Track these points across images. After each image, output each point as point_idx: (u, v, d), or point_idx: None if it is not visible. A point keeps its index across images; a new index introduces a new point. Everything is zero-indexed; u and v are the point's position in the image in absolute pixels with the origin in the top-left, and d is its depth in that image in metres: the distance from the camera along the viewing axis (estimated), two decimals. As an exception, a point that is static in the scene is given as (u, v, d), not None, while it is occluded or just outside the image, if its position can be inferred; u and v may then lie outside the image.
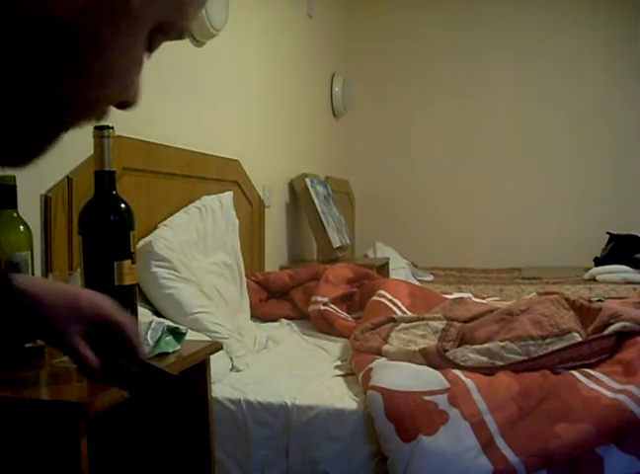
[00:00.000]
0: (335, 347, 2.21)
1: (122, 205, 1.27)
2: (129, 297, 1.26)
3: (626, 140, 4.49)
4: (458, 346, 1.89)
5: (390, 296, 2.32)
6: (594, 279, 3.67)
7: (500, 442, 1.42)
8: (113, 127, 1.25)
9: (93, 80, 0.44)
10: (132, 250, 1.27)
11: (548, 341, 1.77)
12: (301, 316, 2.58)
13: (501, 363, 1.73)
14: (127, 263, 1.24)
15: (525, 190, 4.61)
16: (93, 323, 0.68)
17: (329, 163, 4.26)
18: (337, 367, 1.97)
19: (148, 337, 1.32)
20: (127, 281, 1.24)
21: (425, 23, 4.74)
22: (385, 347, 1.91)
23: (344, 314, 2.46)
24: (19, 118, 0.44)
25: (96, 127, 1.24)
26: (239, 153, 2.77)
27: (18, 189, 1.44)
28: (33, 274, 1.46)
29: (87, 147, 1.32)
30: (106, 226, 1.25)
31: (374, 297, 2.33)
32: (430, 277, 4.09)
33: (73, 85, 0.43)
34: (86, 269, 1.24)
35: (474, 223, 4.66)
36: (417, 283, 3.15)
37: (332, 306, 2.45)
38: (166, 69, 2.29)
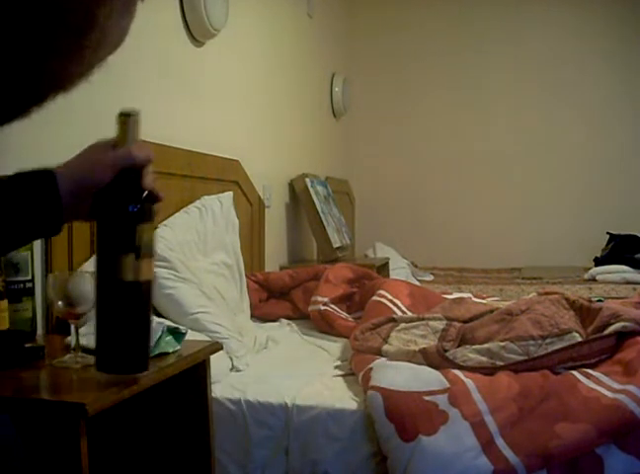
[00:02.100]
0: (335, 347, 2.21)
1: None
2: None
3: (626, 140, 4.49)
4: (458, 346, 1.89)
5: (390, 296, 2.31)
6: (594, 279, 3.67)
7: (500, 443, 1.41)
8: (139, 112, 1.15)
9: (88, 50, 0.42)
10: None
11: (548, 341, 1.77)
12: (301, 316, 2.58)
13: (501, 363, 1.73)
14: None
15: (526, 190, 4.61)
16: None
17: (329, 163, 4.26)
18: (337, 367, 1.96)
19: (148, 337, 1.32)
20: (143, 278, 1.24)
21: (425, 23, 4.75)
22: (385, 347, 1.90)
23: (344, 314, 2.46)
24: (6, 84, 0.43)
25: (121, 114, 1.13)
26: (239, 153, 2.77)
27: (18, 189, 1.44)
28: (33, 274, 1.46)
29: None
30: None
31: (374, 297, 2.32)
32: (430, 277, 4.09)
33: (68, 60, 0.42)
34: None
35: (474, 223, 4.66)
36: (417, 283, 3.15)
37: (332, 306, 2.45)
38: (166, 69, 2.30)
